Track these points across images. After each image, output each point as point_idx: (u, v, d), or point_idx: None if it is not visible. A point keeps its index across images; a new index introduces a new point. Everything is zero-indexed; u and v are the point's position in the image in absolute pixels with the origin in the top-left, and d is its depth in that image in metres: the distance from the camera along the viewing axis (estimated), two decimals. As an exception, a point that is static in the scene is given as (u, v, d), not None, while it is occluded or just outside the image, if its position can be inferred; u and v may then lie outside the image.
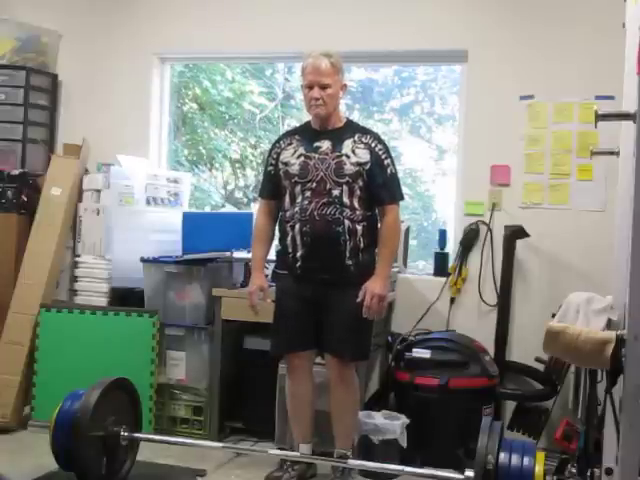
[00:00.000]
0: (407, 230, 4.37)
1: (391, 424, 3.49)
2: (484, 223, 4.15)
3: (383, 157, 3.17)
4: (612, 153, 2.77)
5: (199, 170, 5.57)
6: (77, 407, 3.00)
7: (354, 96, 5.30)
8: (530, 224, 4.00)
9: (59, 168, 4.35)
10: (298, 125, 3.56)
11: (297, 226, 3.14)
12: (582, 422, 3.24)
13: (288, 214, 3.21)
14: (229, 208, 5.40)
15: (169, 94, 4.96)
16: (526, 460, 2.43)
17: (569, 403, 3.65)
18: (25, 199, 4.32)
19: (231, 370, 3.96)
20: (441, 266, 4.26)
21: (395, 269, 4.23)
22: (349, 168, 3.12)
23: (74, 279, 4.31)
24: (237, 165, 5.70)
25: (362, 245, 3.14)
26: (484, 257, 4.13)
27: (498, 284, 4.06)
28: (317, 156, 3.17)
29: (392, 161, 3.20)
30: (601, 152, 3.15)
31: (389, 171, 3.17)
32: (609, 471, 2.59)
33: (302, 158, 3.19)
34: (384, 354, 4.13)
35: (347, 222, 3.10)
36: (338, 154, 3.15)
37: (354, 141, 3.18)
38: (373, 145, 3.17)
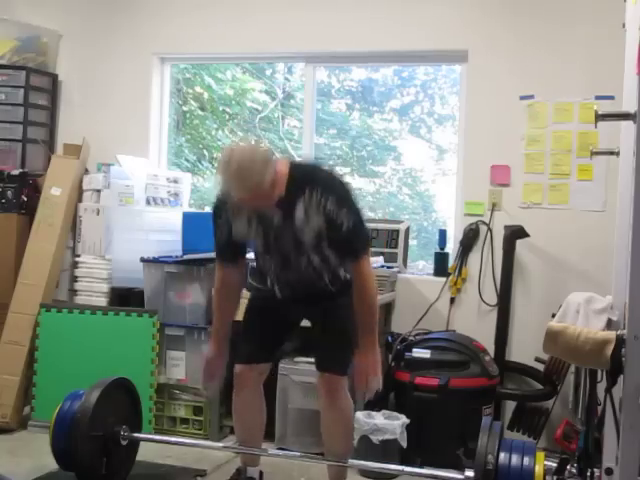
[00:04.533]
0: (407, 230, 4.37)
1: (391, 424, 3.49)
2: (484, 223, 4.15)
3: (335, 215, 2.65)
4: (612, 153, 2.77)
5: (202, 167, 5.58)
6: (77, 407, 3.00)
7: (354, 96, 5.30)
8: (530, 224, 4.00)
9: (59, 168, 4.35)
10: None
11: (275, 284, 2.89)
12: (582, 422, 3.24)
13: (259, 268, 2.94)
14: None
15: (169, 94, 4.96)
16: (526, 460, 2.43)
17: (569, 403, 3.66)
18: (25, 199, 4.32)
19: (231, 370, 3.95)
20: (441, 266, 4.26)
21: (395, 269, 4.23)
22: (308, 239, 2.71)
23: (74, 279, 4.31)
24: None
25: (347, 276, 2.87)
26: (484, 257, 4.14)
27: (498, 284, 4.06)
28: (272, 233, 2.76)
29: (349, 208, 2.68)
30: (601, 152, 3.16)
31: (345, 227, 2.66)
32: (609, 471, 2.59)
33: (260, 235, 2.79)
34: (384, 354, 4.12)
35: (326, 275, 2.84)
36: (292, 227, 2.70)
37: (305, 201, 2.66)
38: (322, 204, 2.65)
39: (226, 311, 2.96)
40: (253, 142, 2.73)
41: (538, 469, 2.40)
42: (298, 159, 2.85)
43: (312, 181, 2.68)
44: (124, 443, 3.08)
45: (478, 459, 2.43)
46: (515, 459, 2.43)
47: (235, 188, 2.55)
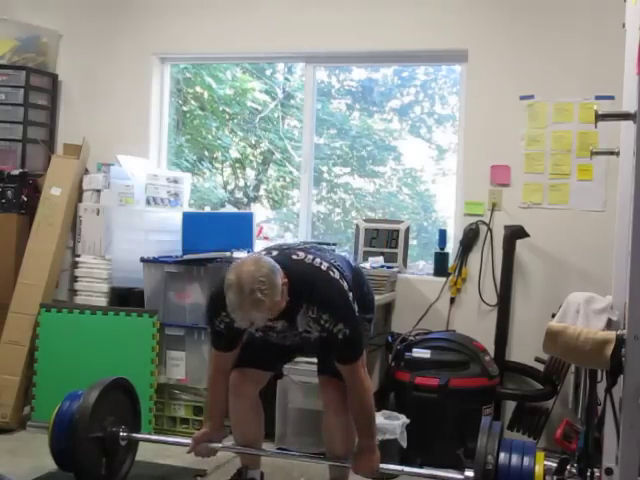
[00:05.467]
0: (407, 230, 4.38)
1: (391, 424, 3.49)
2: (484, 223, 4.15)
3: (331, 328, 2.68)
4: (612, 153, 2.77)
5: (202, 166, 5.58)
6: (76, 408, 2.99)
7: (354, 96, 5.30)
8: (530, 224, 4.00)
9: (59, 168, 4.35)
10: None
11: None
12: (582, 422, 3.24)
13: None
14: (229, 208, 5.41)
15: (169, 94, 4.96)
16: (526, 460, 2.43)
17: (569, 403, 3.66)
18: (25, 199, 4.32)
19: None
20: (441, 266, 4.26)
21: (395, 269, 4.23)
22: (314, 338, 2.79)
23: (74, 279, 4.31)
24: (237, 165, 5.70)
25: None
26: (484, 257, 4.14)
27: (498, 284, 4.06)
28: (275, 335, 2.83)
29: (345, 320, 2.70)
30: (601, 152, 3.16)
31: (341, 337, 2.69)
32: (609, 471, 2.59)
33: (260, 333, 2.84)
34: (384, 354, 4.12)
35: None
36: (296, 332, 2.79)
37: (304, 314, 2.71)
38: (319, 318, 2.69)
39: (221, 392, 2.95)
40: (253, 259, 2.67)
41: (538, 469, 2.40)
42: (295, 257, 2.79)
43: (309, 297, 2.69)
44: (123, 443, 3.09)
45: (478, 459, 2.43)
46: (515, 459, 2.43)
47: (254, 318, 2.56)
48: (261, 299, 2.51)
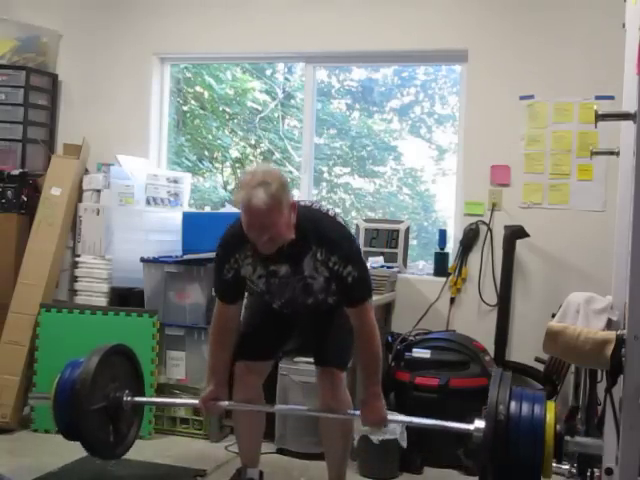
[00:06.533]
0: (407, 230, 4.38)
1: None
2: (484, 223, 4.15)
3: (341, 270, 2.67)
4: (612, 153, 2.77)
5: (202, 166, 5.58)
6: (77, 376, 2.90)
7: (354, 96, 5.30)
8: (530, 224, 4.00)
9: (59, 168, 4.35)
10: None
11: (276, 306, 2.92)
12: (582, 422, 3.24)
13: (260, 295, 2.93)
14: (229, 208, 5.41)
15: (169, 94, 4.96)
16: (537, 409, 2.38)
17: (569, 403, 3.65)
18: (25, 199, 4.32)
19: (231, 370, 3.95)
20: (441, 266, 4.26)
21: (395, 269, 4.23)
22: (317, 288, 2.78)
23: (74, 279, 4.31)
24: (237, 165, 5.71)
25: None
26: (484, 257, 4.14)
27: (498, 284, 4.06)
28: (277, 281, 2.77)
29: (354, 262, 2.70)
30: (601, 152, 3.15)
31: (350, 279, 2.68)
32: (609, 471, 2.59)
33: (263, 280, 2.79)
34: (384, 354, 4.12)
35: (330, 300, 2.85)
36: (301, 277, 2.75)
37: (312, 256, 2.69)
38: (328, 260, 2.67)
39: (224, 346, 2.92)
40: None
41: (549, 417, 2.35)
42: (302, 203, 2.82)
43: (318, 238, 2.68)
44: (128, 408, 3.03)
45: (489, 410, 2.35)
46: (526, 409, 2.38)
47: (258, 198, 2.49)
48: (269, 183, 2.50)
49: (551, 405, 2.36)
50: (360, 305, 2.73)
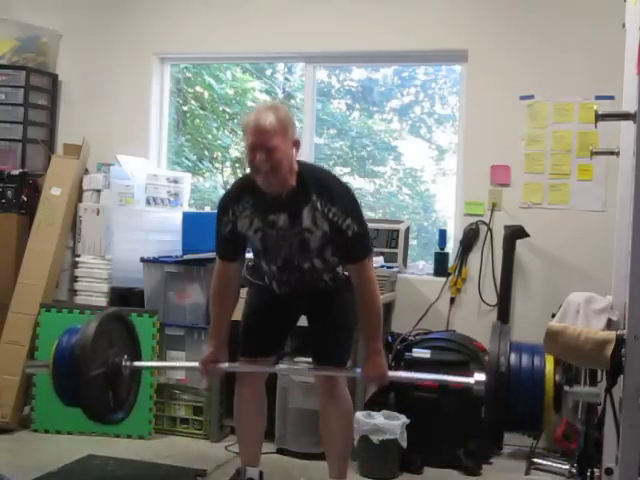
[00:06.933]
0: (407, 230, 4.37)
1: (391, 424, 3.49)
2: (484, 223, 4.15)
3: (340, 222, 2.67)
4: (612, 153, 2.77)
5: (202, 166, 5.58)
6: (76, 344, 2.85)
7: (354, 96, 5.30)
8: (530, 224, 4.00)
9: (59, 168, 4.35)
10: (246, 179, 2.82)
11: (273, 282, 2.89)
12: (582, 422, 3.24)
13: (258, 266, 2.92)
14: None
15: (169, 94, 4.96)
16: (537, 360, 2.39)
17: (569, 403, 3.65)
18: (25, 199, 4.32)
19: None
20: (441, 266, 4.26)
21: (395, 269, 4.23)
22: (314, 244, 2.74)
23: (74, 279, 4.31)
24: (237, 165, 5.71)
25: (342, 273, 2.87)
26: (484, 257, 4.14)
27: (498, 284, 4.06)
28: (275, 233, 2.74)
29: (354, 217, 2.70)
30: (601, 152, 3.16)
31: (350, 233, 2.67)
32: (609, 471, 2.59)
33: (260, 234, 2.77)
34: (384, 354, 4.11)
35: (326, 276, 2.85)
36: (299, 230, 2.71)
37: (312, 207, 2.68)
38: (328, 211, 2.67)
39: (224, 306, 2.91)
40: None
41: (548, 368, 2.37)
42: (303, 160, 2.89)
43: (319, 189, 2.69)
44: (126, 373, 3.00)
45: (491, 362, 2.35)
46: (526, 360, 2.38)
47: (265, 119, 2.57)
48: (279, 109, 2.64)
49: (550, 357, 2.38)
50: (360, 262, 2.72)
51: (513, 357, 2.39)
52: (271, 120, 2.57)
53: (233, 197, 2.80)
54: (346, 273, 2.85)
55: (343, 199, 2.71)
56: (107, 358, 2.93)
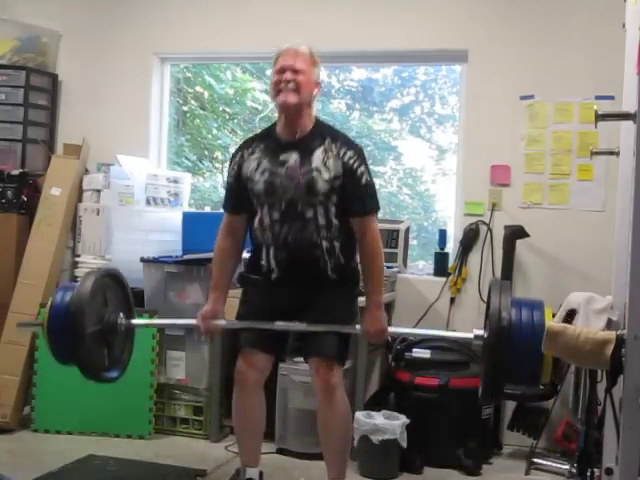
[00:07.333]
0: (407, 230, 4.37)
1: (391, 424, 3.49)
2: (484, 223, 4.15)
3: (355, 166, 2.77)
4: (612, 153, 2.77)
5: (202, 166, 5.58)
6: (71, 301, 2.82)
7: (354, 96, 5.30)
8: (530, 224, 4.00)
9: (59, 168, 4.35)
10: (263, 130, 3.07)
11: (271, 250, 2.84)
12: (582, 422, 3.24)
13: (259, 234, 2.88)
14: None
15: (169, 93, 4.96)
16: (537, 315, 2.39)
17: (569, 403, 3.65)
18: (25, 199, 4.32)
19: (231, 370, 3.94)
20: (441, 266, 4.26)
21: (395, 269, 4.23)
22: (322, 186, 2.76)
23: (74, 279, 4.30)
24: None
25: (343, 260, 2.85)
26: (484, 257, 4.14)
27: (498, 284, 4.05)
28: (284, 172, 2.78)
29: (367, 168, 2.82)
30: (601, 152, 3.16)
31: (363, 180, 2.79)
32: (609, 471, 2.59)
33: (267, 175, 2.81)
34: (384, 354, 4.12)
35: (324, 243, 2.80)
36: (308, 169, 2.76)
37: (325, 150, 2.78)
38: (343, 154, 2.78)
39: (226, 261, 2.96)
40: None
41: (549, 323, 2.37)
42: None
43: (334, 134, 2.87)
44: (121, 330, 2.97)
45: (492, 317, 2.34)
46: (526, 314, 2.38)
47: (300, 46, 2.85)
48: (312, 48, 2.88)
49: (549, 311, 2.38)
50: (367, 216, 2.80)
51: (514, 312, 2.39)
52: (304, 50, 2.84)
53: (247, 141, 2.99)
54: (349, 264, 2.86)
55: (358, 148, 2.86)
56: (102, 315, 2.90)
